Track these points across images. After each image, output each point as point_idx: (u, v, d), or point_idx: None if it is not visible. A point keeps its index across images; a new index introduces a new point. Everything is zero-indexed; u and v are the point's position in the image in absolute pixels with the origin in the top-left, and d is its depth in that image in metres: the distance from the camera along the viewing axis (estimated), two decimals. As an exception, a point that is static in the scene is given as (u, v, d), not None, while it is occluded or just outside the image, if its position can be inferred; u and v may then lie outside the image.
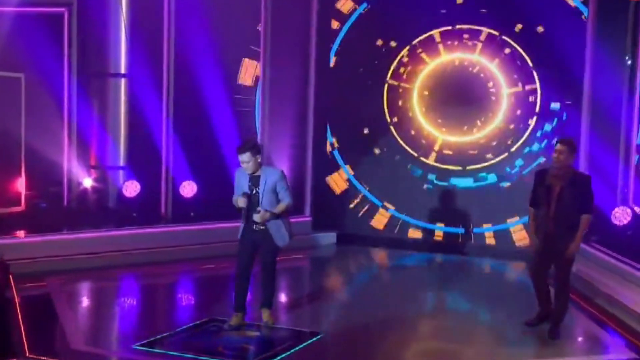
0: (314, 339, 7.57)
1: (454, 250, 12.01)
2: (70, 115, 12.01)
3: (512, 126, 11.95)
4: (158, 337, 7.47)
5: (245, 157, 7.51)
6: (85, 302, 9.22)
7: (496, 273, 11.36)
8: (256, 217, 7.62)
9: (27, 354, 6.89)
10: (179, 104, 11.99)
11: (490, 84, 11.96)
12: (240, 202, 7.63)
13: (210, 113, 12.12)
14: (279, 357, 6.99)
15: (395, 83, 12.41)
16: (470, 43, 12.01)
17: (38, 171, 11.89)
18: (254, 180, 7.63)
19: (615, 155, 10.72)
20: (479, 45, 11.96)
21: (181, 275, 10.40)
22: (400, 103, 12.43)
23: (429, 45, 12.22)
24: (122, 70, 12.25)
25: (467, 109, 12.07)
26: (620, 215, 10.46)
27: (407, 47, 12.32)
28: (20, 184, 11.75)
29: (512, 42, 11.79)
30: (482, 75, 11.99)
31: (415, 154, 12.37)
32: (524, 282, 10.53)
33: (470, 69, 12.04)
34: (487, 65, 11.93)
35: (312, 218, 12.48)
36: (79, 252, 10.33)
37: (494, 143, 12.02)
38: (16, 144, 11.71)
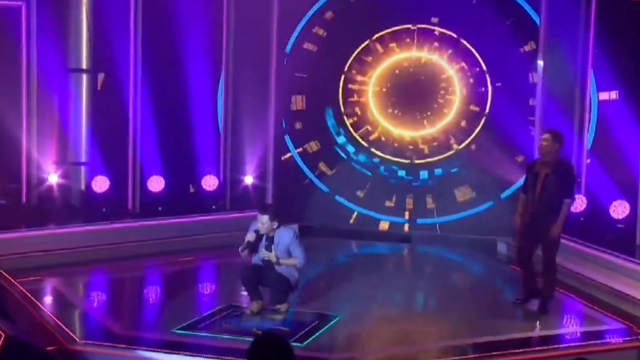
0: (335, 320, 8.32)
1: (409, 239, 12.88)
2: (30, 111, 12.20)
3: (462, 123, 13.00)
4: (189, 322, 8.02)
5: (264, 219, 8.39)
6: (95, 293, 9.63)
7: (462, 258, 12.30)
8: (264, 253, 8.38)
9: (78, 340, 7.34)
10: (145, 98, 12.41)
11: (444, 84, 12.95)
12: (249, 235, 8.40)
13: (177, 107, 12.59)
14: (318, 333, 7.75)
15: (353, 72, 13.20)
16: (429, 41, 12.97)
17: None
18: (269, 240, 8.46)
19: (570, 148, 11.88)
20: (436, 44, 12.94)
21: (171, 266, 10.81)
22: (356, 95, 13.24)
23: (390, 41, 13.06)
24: (84, 65, 12.56)
25: (420, 104, 13.02)
26: (577, 203, 11.62)
27: (367, 42, 13.13)
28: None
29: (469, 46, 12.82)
30: (437, 73, 12.96)
31: (366, 144, 13.18)
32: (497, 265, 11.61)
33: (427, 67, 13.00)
34: (443, 65, 12.92)
35: (274, 211, 13.05)
36: (62, 247, 10.69)
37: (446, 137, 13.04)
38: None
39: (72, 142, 12.52)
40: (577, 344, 8.16)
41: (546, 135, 8.83)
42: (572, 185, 8.81)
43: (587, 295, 9.65)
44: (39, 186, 12.26)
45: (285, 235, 8.48)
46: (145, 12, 12.35)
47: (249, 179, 13.13)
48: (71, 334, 7.51)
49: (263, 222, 8.38)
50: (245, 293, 8.58)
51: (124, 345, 7.27)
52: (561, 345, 8.00)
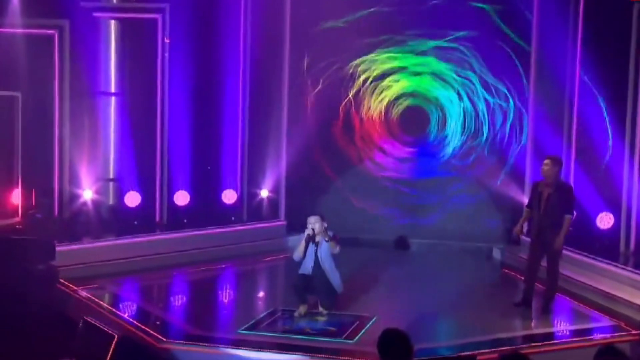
0: (373, 320, 10.09)
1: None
2: (62, 132, 13.81)
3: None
4: (249, 323, 9.77)
5: (315, 219, 10.20)
6: (152, 298, 11.37)
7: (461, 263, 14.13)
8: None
9: (164, 340, 9.06)
10: (172, 119, 14.12)
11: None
12: (307, 231, 10.16)
13: (201, 126, 14.31)
14: (364, 330, 9.58)
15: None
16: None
17: (33, 184, 13.69)
18: (317, 244, 10.21)
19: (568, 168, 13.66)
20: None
21: (205, 273, 12.57)
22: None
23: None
24: (112, 89, 14.24)
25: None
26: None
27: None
28: (17, 196, 13.55)
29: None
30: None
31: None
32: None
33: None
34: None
35: (287, 221, 14.75)
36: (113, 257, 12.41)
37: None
38: (13, 158, 13.55)
39: (104, 160, 14.20)
40: (575, 338, 9.97)
41: (547, 161, 10.74)
42: (571, 203, 10.74)
43: (580, 297, 11.53)
44: (72, 201, 13.85)
45: (326, 248, 10.23)
46: (173, 34, 14.00)
47: (264, 193, 14.84)
48: (156, 334, 9.21)
49: (315, 221, 10.16)
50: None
51: (208, 344, 9.02)
52: (562, 340, 9.91)
